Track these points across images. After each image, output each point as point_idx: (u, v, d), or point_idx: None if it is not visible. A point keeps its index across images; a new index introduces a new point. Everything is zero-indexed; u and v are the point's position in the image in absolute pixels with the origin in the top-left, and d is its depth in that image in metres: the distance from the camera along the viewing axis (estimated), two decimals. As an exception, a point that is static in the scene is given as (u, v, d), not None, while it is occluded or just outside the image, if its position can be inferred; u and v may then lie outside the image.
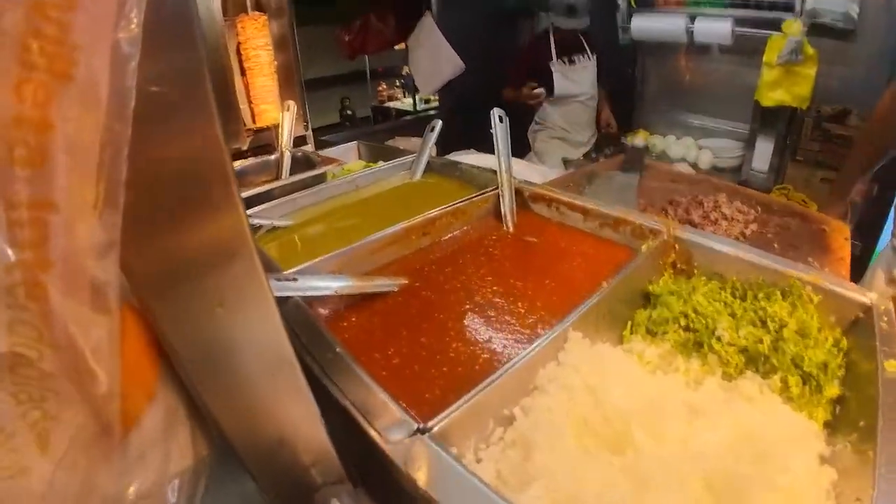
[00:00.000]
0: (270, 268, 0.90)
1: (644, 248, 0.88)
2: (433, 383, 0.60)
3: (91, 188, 0.23)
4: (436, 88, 3.93)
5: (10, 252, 0.19)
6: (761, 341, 0.69)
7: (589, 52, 3.16)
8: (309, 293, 0.74)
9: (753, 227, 1.31)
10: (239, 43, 2.48)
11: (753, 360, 0.70)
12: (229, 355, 0.35)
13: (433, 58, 3.73)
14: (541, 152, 3.20)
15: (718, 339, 0.71)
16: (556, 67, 3.14)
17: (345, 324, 0.77)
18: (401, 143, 2.28)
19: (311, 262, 0.88)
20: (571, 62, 3.15)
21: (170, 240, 0.30)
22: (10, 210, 0.19)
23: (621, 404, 0.57)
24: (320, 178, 1.46)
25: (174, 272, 0.31)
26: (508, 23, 4.07)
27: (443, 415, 0.51)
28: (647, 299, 0.82)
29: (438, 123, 1.47)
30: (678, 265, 0.89)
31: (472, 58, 3.58)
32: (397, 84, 6.06)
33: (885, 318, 0.69)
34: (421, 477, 0.45)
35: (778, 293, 0.77)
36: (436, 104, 4.36)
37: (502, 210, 1.06)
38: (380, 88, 6.09)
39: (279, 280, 0.74)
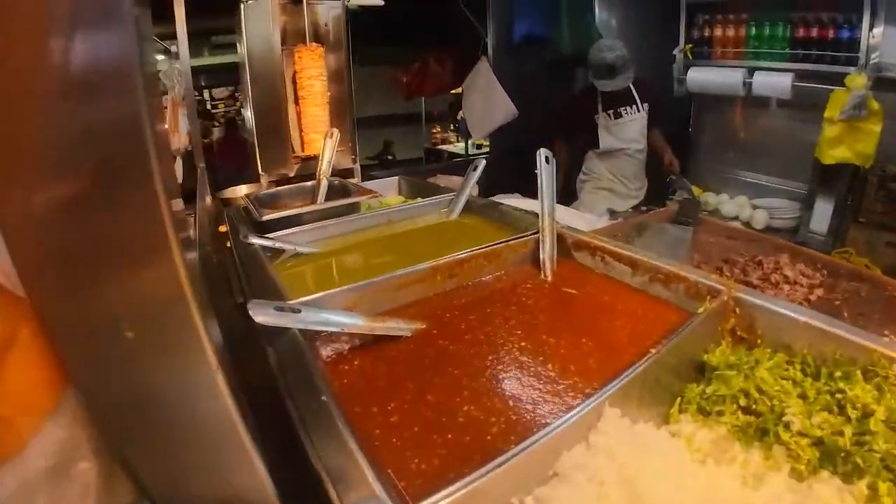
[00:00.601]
0: (275, 295, 0.82)
1: (701, 309, 0.75)
2: (432, 452, 0.50)
3: None
4: (488, 132, 3.91)
5: None
6: (841, 433, 0.56)
7: (639, 104, 3.08)
8: (310, 327, 0.66)
9: (819, 292, 1.19)
10: (295, 72, 2.52)
11: (831, 457, 0.56)
12: (147, 403, 0.27)
13: (487, 102, 3.72)
14: (588, 203, 3.10)
15: (787, 426, 0.57)
16: (601, 121, 3.08)
17: (346, 367, 0.67)
18: (443, 181, 2.23)
19: (323, 293, 0.81)
20: (618, 115, 3.07)
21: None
22: None
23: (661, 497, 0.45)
24: (354, 208, 1.41)
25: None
26: (564, 71, 4.05)
27: (433, 499, 0.41)
28: (701, 372, 0.69)
29: (482, 163, 1.40)
30: (738, 332, 0.76)
31: (525, 104, 3.55)
32: (451, 128, 6.13)
33: None
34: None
35: (858, 373, 0.64)
36: (488, 149, 4.35)
37: (541, 256, 0.96)
38: (434, 131, 6.19)
39: (279, 309, 0.65)
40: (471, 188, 1.36)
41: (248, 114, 2.49)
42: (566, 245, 1.02)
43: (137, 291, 0.25)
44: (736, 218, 2.75)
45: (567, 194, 3.20)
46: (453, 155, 5.62)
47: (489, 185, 2.04)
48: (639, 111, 3.08)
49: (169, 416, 0.28)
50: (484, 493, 0.43)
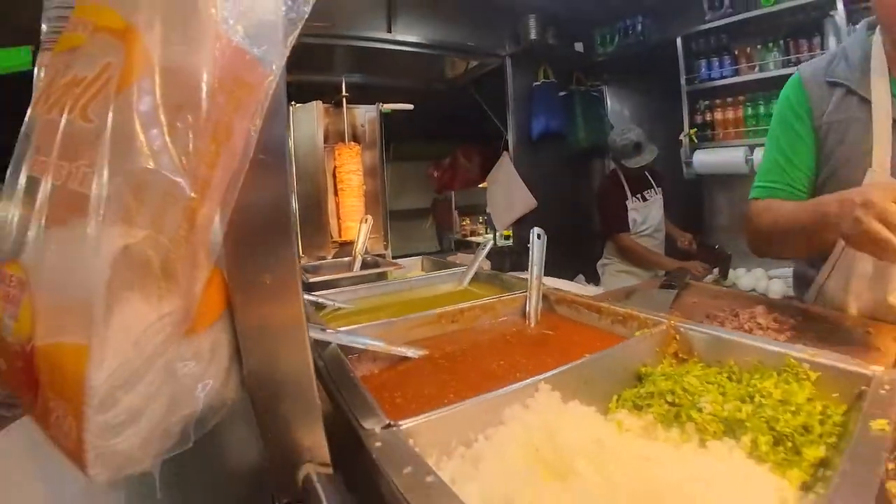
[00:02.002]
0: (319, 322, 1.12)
1: (638, 333, 1.01)
2: (419, 408, 0.76)
3: (221, 195, 0.45)
4: (509, 223, 4.28)
5: (189, 193, 0.41)
6: (741, 410, 0.74)
7: (655, 188, 3.40)
8: (343, 342, 0.94)
9: (789, 333, 1.30)
10: (335, 167, 2.95)
11: (732, 429, 0.73)
12: (267, 328, 0.56)
13: (508, 194, 4.11)
14: (609, 284, 3.36)
15: (700, 410, 0.76)
16: (632, 205, 3.39)
17: (368, 375, 0.95)
18: (460, 259, 2.55)
19: (356, 325, 1.09)
20: (644, 199, 3.40)
21: (249, 252, 0.52)
22: (194, 180, 0.42)
23: (574, 442, 0.69)
24: (383, 276, 1.73)
25: (249, 263, 0.53)
26: (580, 163, 4.43)
27: (412, 419, 0.66)
28: (640, 380, 0.91)
29: (489, 242, 1.72)
30: (679, 355, 0.99)
31: (544, 196, 3.93)
32: (480, 220, 6.55)
33: (887, 387, 0.72)
34: (383, 458, 0.60)
35: (774, 373, 0.83)
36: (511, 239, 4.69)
37: (528, 308, 1.24)
38: (463, 223, 6.60)
39: (323, 329, 0.95)
40: (479, 262, 1.66)
41: (294, 203, 2.90)
42: (550, 301, 1.30)
43: (275, 258, 0.54)
44: (753, 290, 2.88)
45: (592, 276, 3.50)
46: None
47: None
48: (657, 194, 3.42)
49: (274, 339, 0.57)
50: (447, 422, 0.69)
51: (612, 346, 0.93)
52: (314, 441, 0.61)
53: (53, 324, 0.44)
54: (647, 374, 0.91)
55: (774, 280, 2.87)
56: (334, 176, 2.91)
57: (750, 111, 3.41)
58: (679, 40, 4.07)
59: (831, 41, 3.63)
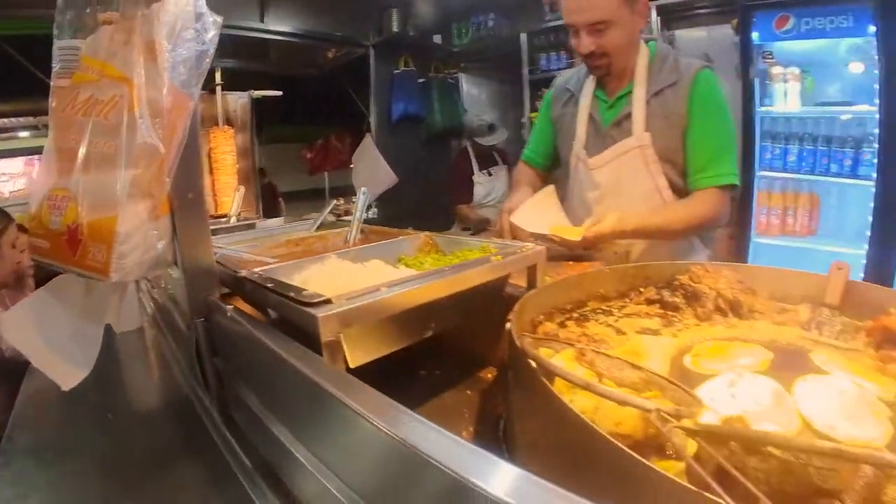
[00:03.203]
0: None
1: (402, 237, 1.72)
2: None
3: (172, 156, 1.05)
4: (373, 198, 4.91)
5: (162, 151, 1.01)
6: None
7: (501, 164, 4.23)
8: (227, 251, 1.55)
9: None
10: (210, 149, 3.45)
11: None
12: (189, 220, 1.17)
13: (371, 172, 4.76)
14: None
15: (422, 264, 1.51)
16: (478, 179, 4.17)
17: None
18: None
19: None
20: (490, 174, 4.20)
21: (181, 181, 1.13)
22: (162, 147, 1.02)
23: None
24: (252, 227, 2.32)
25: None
26: (438, 143, 5.21)
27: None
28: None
29: (333, 202, 2.37)
30: (431, 253, 1.72)
31: (404, 172, 4.63)
32: (353, 200, 7.10)
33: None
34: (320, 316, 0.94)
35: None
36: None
37: (349, 236, 1.89)
38: (337, 203, 7.14)
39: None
40: (326, 214, 2.30)
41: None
42: (366, 233, 1.96)
43: (192, 184, 1.15)
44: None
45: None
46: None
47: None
48: (502, 170, 4.24)
49: (192, 227, 1.18)
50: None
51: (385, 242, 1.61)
52: (212, 281, 1.23)
53: (95, 212, 1.03)
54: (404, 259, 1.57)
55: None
56: (209, 157, 3.41)
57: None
58: (524, 36, 4.98)
59: (643, 43, 4.66)
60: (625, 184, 1.99)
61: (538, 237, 1.76)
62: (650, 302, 1.31)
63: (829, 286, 1.15)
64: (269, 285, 1.08)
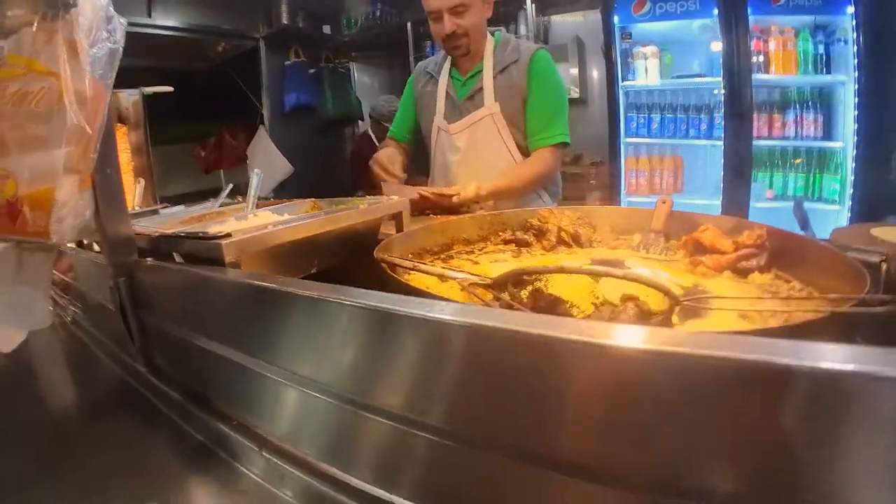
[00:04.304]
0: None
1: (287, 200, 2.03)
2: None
3: (96, 136, 1.31)
4: (271, 189, 5.13)
5: (89, 132, 1.27)
6: None
7: None
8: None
9: None
10: (104, 147, 3.53)
11: None
12: (109, 191, 1.44)
13: (267, 163, 4.97)
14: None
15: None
16: None
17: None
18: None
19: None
20: None
21: (101, 158, 1.39)
22: (88, 128, 1.27)
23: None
24: (156, 213, 2.55)
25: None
26: (332, 131, 5.50)
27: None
28: None
29: (230, 186, 2.63)
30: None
31: (302, 161, 4.89)
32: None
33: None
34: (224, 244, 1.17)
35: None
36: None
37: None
38: (237, 201, 7.21)
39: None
40: (222, 199, 2.55)
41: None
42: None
43: (111, 161, 1.41)
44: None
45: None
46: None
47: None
48: None
49: (110, 198, 1.44)
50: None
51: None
52: (130, 245, 1.49)
53: (33, 185, 1.28)
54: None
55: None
56: (104, 154, 3.51)
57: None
58: (409, 24, 5.35)
59: (521, 28, 5.16)
60: (481, 146, 2.47)
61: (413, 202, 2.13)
62: (506, 242, 1.68)
63: (655, 215, 1.48)
64: (181, 234, 1.36)
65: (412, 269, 1.09)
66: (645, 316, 0.88)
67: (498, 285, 0.96)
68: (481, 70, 2.44)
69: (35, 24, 1.33)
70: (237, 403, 1.01)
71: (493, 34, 2.52)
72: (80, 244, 1.97)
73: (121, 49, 1.37)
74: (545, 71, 2.38)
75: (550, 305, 0.91)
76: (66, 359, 1.82)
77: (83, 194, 1.34)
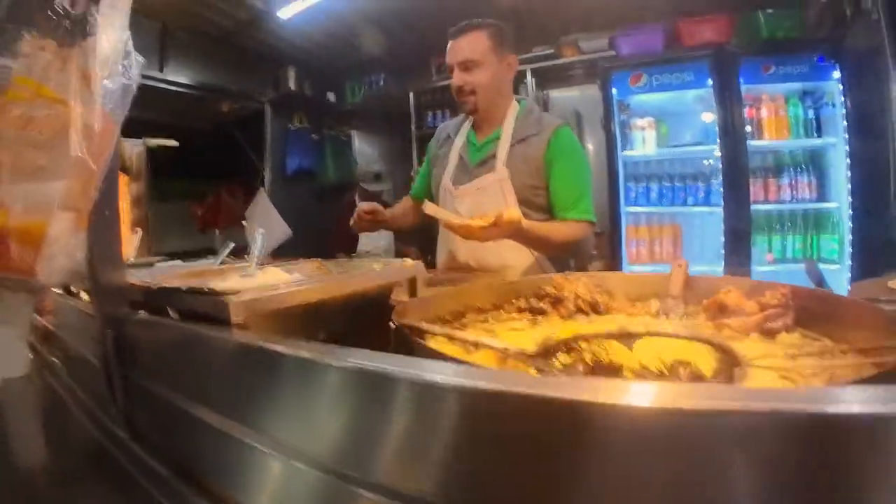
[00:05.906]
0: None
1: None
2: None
3: (100, 172, 1.22)
4: (269, 252, 5.02)
5: (93, 167, 1.18)
6: None
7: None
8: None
9: None
10: (103, 195, 3.46)
11: None
12: (105, 233, 1.33)
13: (266, 225, 4.85)
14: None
15: None
16: None
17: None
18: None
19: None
20: None
21: (101, 197, 1.29)
22: (92, 163, 1.19)
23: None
24: (151, 264, 2.43)
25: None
26: (330, 196, 5.47)
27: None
28: None
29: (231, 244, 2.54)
30: None
31: (300, 225, 4.80)
32: (245, 256, 7.12)
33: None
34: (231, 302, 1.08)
35: None
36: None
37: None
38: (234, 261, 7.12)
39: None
40: (223, 256, 2.45)
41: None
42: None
43: (110, 203, 1.31)
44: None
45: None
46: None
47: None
48: None
49: (106, 239, 1.34)
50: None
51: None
52: (122, 295, 1.37)
53: (24, 217, 1.17)
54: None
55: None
56: (102, 203, 3.43)
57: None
58: (412, 95, 5.43)
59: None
60: (485, 210, 2.29)
61: (447, 226, 1.98)
62: (521, 310, 1.59)
63: (672, 280, 1.43)
64: (183, 288, 1.23)
65: (447, 337, 0.98)
66: (699, 379, 0.82)
67: (544, 354, 0.86)
68: (499, 137, 2.35)
69: (49, 49, 1.26)
70: (229, 483, 0.86)
71: (519, 101, 2.44)
72: (67, 290, 1.83)
73: (135, 86, 1.31)
74: (570, 147, 2.30)
75: (609, 373, 0.81)
76: (39, 413, 1.67)
77: (78, 234, 1.23)
